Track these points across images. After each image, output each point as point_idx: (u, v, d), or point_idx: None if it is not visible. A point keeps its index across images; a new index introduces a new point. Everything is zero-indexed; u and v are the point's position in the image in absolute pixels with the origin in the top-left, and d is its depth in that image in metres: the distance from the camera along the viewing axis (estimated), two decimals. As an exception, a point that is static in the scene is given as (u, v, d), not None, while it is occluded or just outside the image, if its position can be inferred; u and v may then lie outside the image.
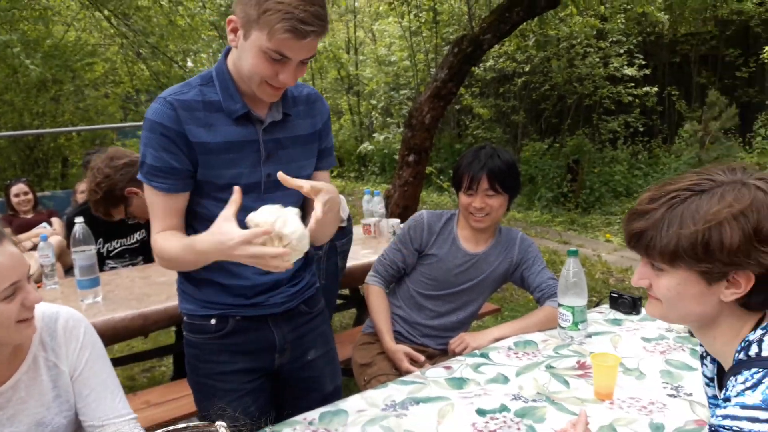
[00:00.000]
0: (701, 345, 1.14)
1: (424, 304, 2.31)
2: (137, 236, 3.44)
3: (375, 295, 2.33)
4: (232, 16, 1.40)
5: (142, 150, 1.50)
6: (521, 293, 5.39)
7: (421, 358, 2.14)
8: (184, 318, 1.69)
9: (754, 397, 0.90)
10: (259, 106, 1.55)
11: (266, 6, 1.33)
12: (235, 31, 1.42)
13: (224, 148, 1.51)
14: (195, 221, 1.58)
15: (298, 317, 1.74)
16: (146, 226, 3.46)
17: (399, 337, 2.30)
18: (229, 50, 1.53)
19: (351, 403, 1.68)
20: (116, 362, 3.19)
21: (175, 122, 1.46)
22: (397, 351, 2.14)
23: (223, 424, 0.54)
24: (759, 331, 0.98)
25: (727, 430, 0.91)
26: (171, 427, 0.49)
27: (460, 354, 2.07)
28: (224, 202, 1.44)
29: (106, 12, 6.80)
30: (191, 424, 0.53)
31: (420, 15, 6.68)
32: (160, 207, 1.53)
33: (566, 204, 8.81)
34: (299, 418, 1.61)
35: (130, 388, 3.64)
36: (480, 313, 3.57)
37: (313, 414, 1.62)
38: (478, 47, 5.19)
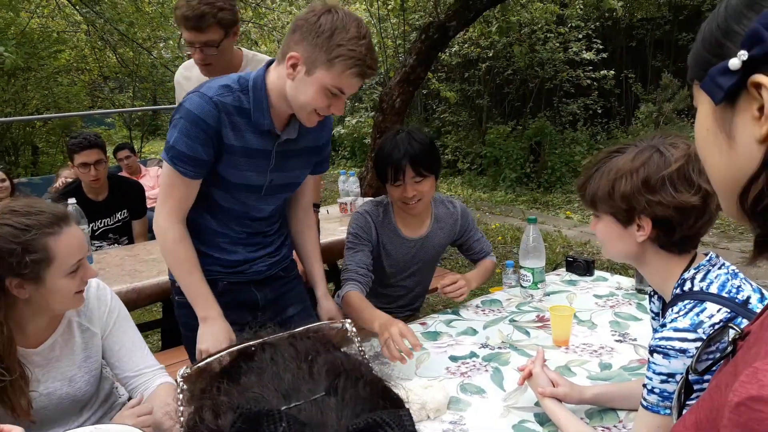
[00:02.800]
0: (649, 285, 1.38)
1: (382, 292, 2.39)
2: (119, 216, 3.58)
3: (356, 297, 2.08)
4: (293, 53, 1.55)
5: (176, 136, 1.62)
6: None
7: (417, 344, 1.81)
8: (176, 284, 1.79)
9: (684, 322, 1.12)
10: (279, 123, 1.72)
11: (339, 52, 1.52)
12: (294, 66, 1.57)
13: (243, 153, 1.69)
14: (203, 203, 1.75)
15: (277, 281, 1.97)
16: (128, 206, 3.61)
17: None
18: (270, 64, 1.69)
19: (339, 353, 1.89)
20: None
21: (216, 121, 1.62)
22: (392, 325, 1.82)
23: (350, 321, 0.60)
24: (692, 271, 1.21)
25: (663, 348, 1.13)
26: (303, 328, 0.55)
27: (459, 298, 2.16)
28: (230, 195, 1.74)
29: (73, -1, 6.79)
30: (324, 323, 0.57)
31: (388, 2, 6.83)
32: (180, 190, 1.68)
33: (529, 184, 9.12)
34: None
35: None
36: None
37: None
38: (444, 34, 5.39)
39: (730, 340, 0.72)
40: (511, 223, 7.24)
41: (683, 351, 1.10)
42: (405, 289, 2.45)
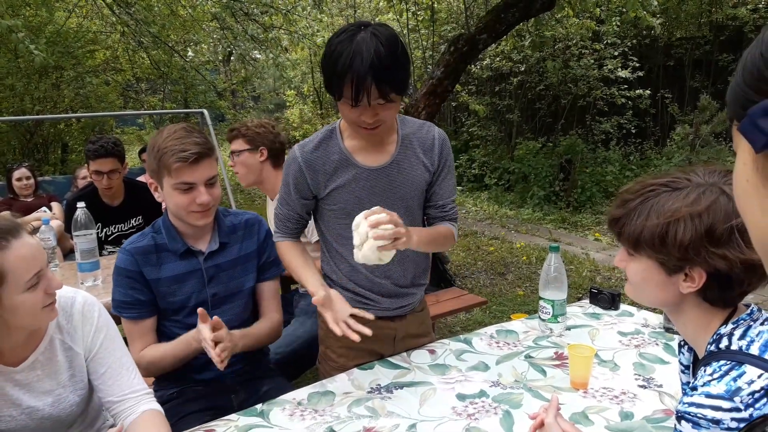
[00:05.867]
0: (678, 333, 1.23)
1: (347, 267, 1.88)
2: (134, 222, 3.53)
3: (284, 249, 1.92)
4: (151, 180, 1.85)
5: (113, 289, 1.89)
6: (509, 287, 5.49)
7: (368, 315, 1.71)
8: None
9: (718, 388, 0.96)
10: (198, 241, 1.94)
11: (159, 154, 1.76)
12: (156, 189, 1.85)
13: (173, 280, 1.90)
14: (160, 338, 1.95)
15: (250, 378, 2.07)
16: (144, 212, 3.55)
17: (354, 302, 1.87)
18: None
19: (338, 384, 1.77)
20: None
21: (133, 265, 1.86)
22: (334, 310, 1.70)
23: None
24: (730, 326, 1.05)
25: (692, 416, 0.97)
26: None
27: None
28: (178, 322, 1.92)
29: (108, 0, 6.83)
30: None
31: (418, 13, 6.74)
32: (134, 332, 1.89)
33: (558, 203, 8.91)
34: (288, 397, 1.71)
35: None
36: (467, 305, 3.69)
37: (302, 394, 1.72)
38: (474, 46, 5.27)
39: None
40: (537, 243, 7.06)
41: (716, 422, 0.95)
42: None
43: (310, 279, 1.81)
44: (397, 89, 1.62)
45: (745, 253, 0.98)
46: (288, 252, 1.92)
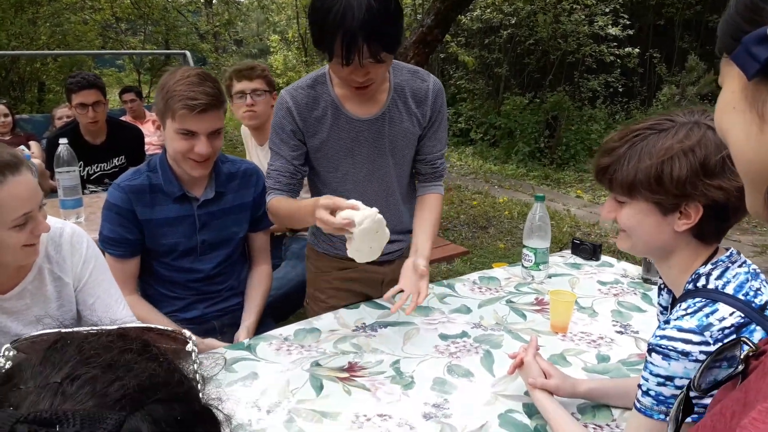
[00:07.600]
0: (660, 277, 1.25)
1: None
2: (116, 162, 3.49)
3: (277, 202, 1.78)
4: (155, 118, 1.76)
5: (102, 224, 1.89)
6: (491, 240, 5.55)
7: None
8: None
9: (690, 322, 1.00)
10: (195, 187, 1.92)
11: (167, 96, 1.74)
12: (159, 128, 1.79)
13: (165, 223, 1.89)
14: (149, 277, 1.98)
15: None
16: (126, 152, 3.51)
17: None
18: None
19: (324, 322, 1.80)
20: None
21: (126, 203, 1.85)
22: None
23: (191, 335, 0.58)
24: (709, 266, 1.08)
25: (663, 348, 1.01)
26: (142, 325, 0.52)
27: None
28: (166, 264, 1.94)
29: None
30: (161, 327, 0.56)
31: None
32: (116, 272, 1.80)
33: (542, 159, 8.95)
34: (275, 332, 1.73)
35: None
36: (449, 255, 3.73)
37: (288, 330, 1.75)
38: (465, -5, 5.19)
39: (741, 357, 0.62)
40: (520, 199, 7.11)
41: (685, 354, 0.99)
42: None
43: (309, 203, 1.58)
44: (389, 47, 1.52)
45: (739, 180, 1.00)
46: (282, 203, 1.76)
